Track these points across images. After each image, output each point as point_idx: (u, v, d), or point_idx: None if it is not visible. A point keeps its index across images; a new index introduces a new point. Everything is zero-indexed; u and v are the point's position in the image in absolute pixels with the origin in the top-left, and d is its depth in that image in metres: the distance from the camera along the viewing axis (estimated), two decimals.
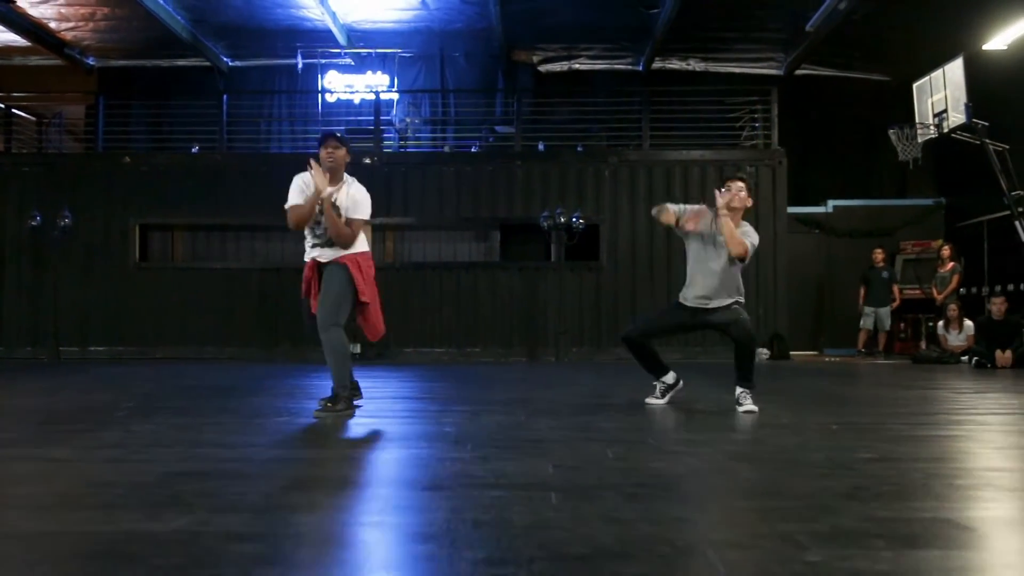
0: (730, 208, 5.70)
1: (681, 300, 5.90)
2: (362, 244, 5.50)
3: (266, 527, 2.42)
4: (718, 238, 5.71)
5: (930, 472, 3.32)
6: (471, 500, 2.81)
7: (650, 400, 6.02)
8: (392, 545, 2.30)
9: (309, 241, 5.44)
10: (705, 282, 5.74)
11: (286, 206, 5.36)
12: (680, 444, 4.12)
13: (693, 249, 5.84)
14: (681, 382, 6.11)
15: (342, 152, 5.42)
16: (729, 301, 5.78)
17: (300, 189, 5.33)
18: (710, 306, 5.75)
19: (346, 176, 5.50)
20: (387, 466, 3.62)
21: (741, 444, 4.12)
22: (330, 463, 3.73)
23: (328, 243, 5.34)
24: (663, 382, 6.05)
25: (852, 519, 2.48)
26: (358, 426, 4.86)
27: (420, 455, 3.84)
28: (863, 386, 8.20)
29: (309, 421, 5.02)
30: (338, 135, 5.49)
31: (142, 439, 4.29)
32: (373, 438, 4.43)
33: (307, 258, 5.45)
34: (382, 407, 5.99)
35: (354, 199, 5.42)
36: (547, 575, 1.94)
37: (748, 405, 5.53)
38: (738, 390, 5.65)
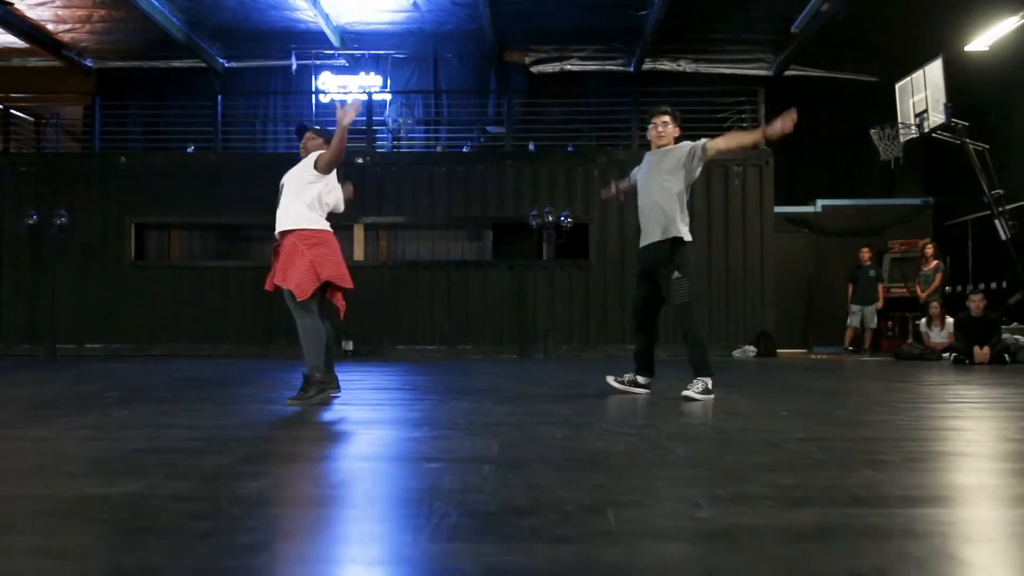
0: (659, 147, 6.00)
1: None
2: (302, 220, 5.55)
3: (209, 491, 2.61)
4: (651, 173, 5.96)
5: (855, 449, 3.51)
6: (410, 471, 3.02)
7: (611, 379, 6.23)
8: (320, 507, 2.50)
9: (321, 212, 5.56)
10: (643, 219, 5.97)
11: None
12: (628, 427, 4.31)
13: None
14: (646, 392, 6.14)
15: (319, 143, 5.63)
16: (662, 238, 5.85)
17: None
18: (645, 242, 5.93)
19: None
20: (341, 445, 3.82)
21: (685, 427, 4.31)
22: (287, 441, 3.93)
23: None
24: (637, 378, 6.17)
25: (755, 486, 2.67)
26: (328, 412, 5.05)
27: (378, 436, 4.04)
28: (834, 380, 8.39)
29: (283, 408, 5.21)
30: (317, 127, 5.73)
31: (118, 422, 4.50)
32: (338, 421, 4.63)
33: (326, 227, 5.55)
34: (358, 396, 6.19)
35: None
36: (453, 527, 2.13)
37: (691, 392, 5.67)
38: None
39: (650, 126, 6.08)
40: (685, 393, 5.65)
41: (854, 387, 7.41)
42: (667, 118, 6.03)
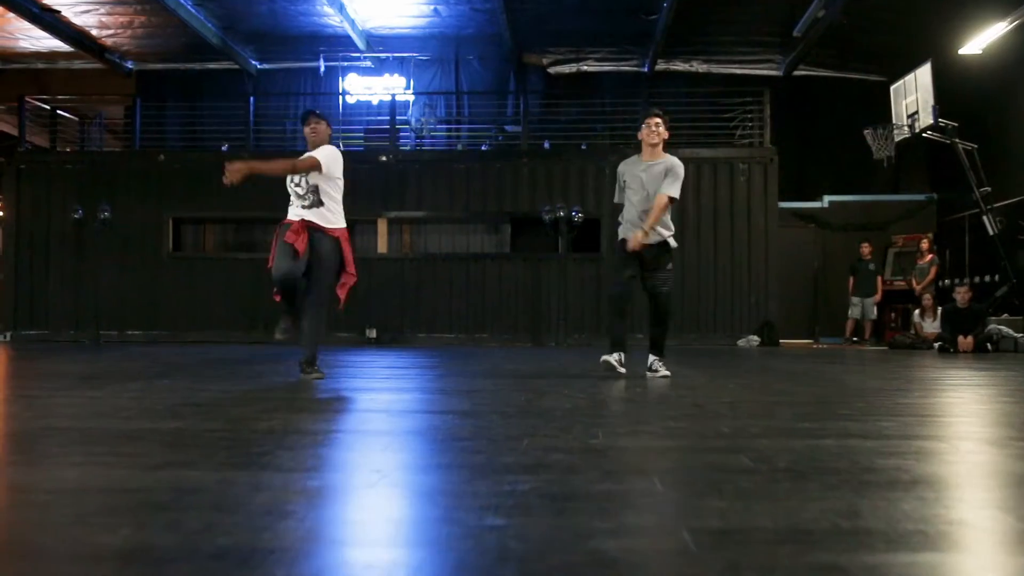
0: (648, 144, 6.48)
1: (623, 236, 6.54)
2: (343, 219, 6.09)
3: (233, 427, 3.45)
4: (650, 181, 6.42)
5: (760, 408, 4.28)
6: (400, 418, 3.83)
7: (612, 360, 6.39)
8: (321, 437, 3.32)
9: (297, 204, 5.96)
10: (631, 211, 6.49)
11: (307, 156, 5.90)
12: (583, 393, 5.09)
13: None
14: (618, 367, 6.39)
15: (323, 126, 6.07)
16: (658, 240, 6.40)
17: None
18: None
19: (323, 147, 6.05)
20: (344, 401, 4.64)
21: (633, 392, 5.08)
22: (299, 398, 4.77)
23: (315, 204, 5.92)
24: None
25: (649, 427, 3.46)
26: (337, 380, 5.88)
27: (374, 398, 4.87)
28: (810, 364, 9.08)
29: (300, 378, 6.05)
30: (317, 111, 6.16)
31: (160, 388, 5.36)
32: (344, 387, 5.46)
33: (294, 216, 5.90)
34: (365, 371, 7.01)
35: (327, 157, 5.98)
36: (407, 444, 2.94)
37: (663, 369, 6.31)
38: (651, 358, 6.41)
39: (643, 126, 6.55)
40: (662, 373, 6.28)
41: (825, 369, 8.12)
42: (659, 120, 6.53)
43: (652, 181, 6.42)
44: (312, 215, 5.93)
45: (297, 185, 6.01)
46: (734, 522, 1.83)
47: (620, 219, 6.64)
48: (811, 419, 3.84)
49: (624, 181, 6.60)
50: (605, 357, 6.28)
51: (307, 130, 6.09)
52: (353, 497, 2.17)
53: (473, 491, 2.16)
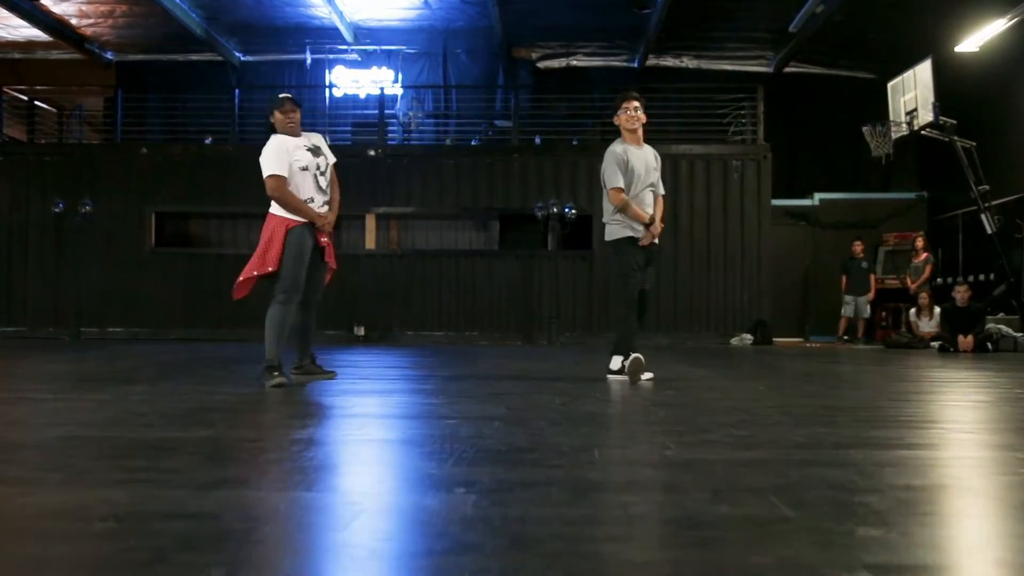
0: (629, 130, 5.99)
1: (632, 234, 5.95)
2: None
3: (269, 436, 3.19)
4: (648, 172, 6.05)
5: (810, 414, 4.08)
6: (434, 425, 3.58)
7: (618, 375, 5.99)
8: (367, 446, 3.07)
9: (316, 202, 5.44)
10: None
11: (271, 172, 5.30)
12: (618, 397, 4.87)
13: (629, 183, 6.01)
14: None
15: (298, 116, 5.50)
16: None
17: (279, 155, 5.34)
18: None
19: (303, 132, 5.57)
20: (372, 406, 4.39)
21: (670, 396, 4.87)
22: (324, 405, 4.51)
23: (329, 204, 5.54)
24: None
25: (715, 435, 3.24)
26: (351, 382, 5.63)
27: (400, 401, 4.62)
28: (817, 364, 8.93)
29: (314, 380, 5.78)
30: (294, 98, 5.62)
31: (165, 390, 5.08)
32: (359, 390, 5.20)
33: (318, 208, 5.45)
34: (370, 372, 6.75)
35: (327, 147, 5.64)
36: (471, 459, 2.70)
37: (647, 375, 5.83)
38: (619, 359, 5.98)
39: (620, 111, 5.99)
40: (647, 376, 5.80)
41: (832, 370, 7.97)
42: (638, 103, 6.02)
43: (651, 174, 6.06)
44: (326, 211, 5.56)
45: (322, 174, 5.53)
46: (907, 557, 1.61)
47: (615, 211, 5.99)
48: (879, 426, 3.65)
49: (633, 166, 5.96)
50: (636, 356, 5.77)
51: (284, 117, 5.44)
52: (456, 516, 1.93)
53: (586, 515, 1.93)
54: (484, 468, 2.54)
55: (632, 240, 5.96)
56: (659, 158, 6.24)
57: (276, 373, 5.24)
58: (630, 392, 5.21)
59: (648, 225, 5.95)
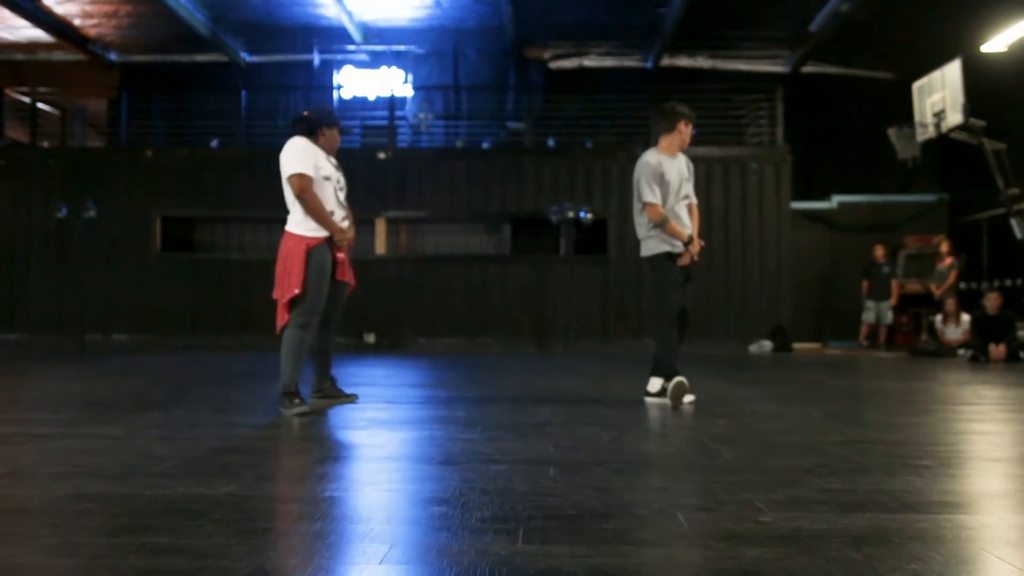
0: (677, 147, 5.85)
1: (670, 250, 5.70)
2: None
3: (301, 493, 2.84)
4: (684, 183, 5.87)
5: (888, 452, 3.72)
6: (483, 474, 3.22)
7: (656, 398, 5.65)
8: (416, 510, 2.71)
9: (339, 213, 5.17)
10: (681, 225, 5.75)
11: (297, 171, 4.99)
12: (667, 428, 4.52)
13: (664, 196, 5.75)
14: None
15: (339, 142, 5.32)
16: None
17: (306, 156, 5.04)
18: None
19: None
20: (406, 444, 4.03)
21: (725, 428, 4.51)
22: (353, 442, 4.14)
23: (346, 219, 5.24)
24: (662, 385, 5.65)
25: (807, 490, 2.89)
26: (374, 407, 5.28)
27: (436, 435, 4.26)
28: (854, 378, 8.59)
29: (333, 407, 5.43)
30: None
31: (183, 421, 4.72)
32: (392, 420, 4.85)
33: (339, 221, 5.13)
34: (397, 394, 6.40)
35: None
36: (543, 531, 2.34)
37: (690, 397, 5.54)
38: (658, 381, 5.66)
39: (676, 131, 5.85)
40: (689, 399, 5.52)
41: (876, 386, 7.61)
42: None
43: (684, 186, 5.88)
44: (347, 226, 5.24)
45: (342, 189, 5.26)
46: None
47: (652, 226, 5.66)
48: (973, 472, 3.29)
49: (665, 179, 5.70)
50: (680, 379, 5.45)
51: (337, 141, 5.28)
52: None
53: None
54: (563, 547, 2.18)
55: (670, 255, 5.69)
56: (691, 165, 6.02)
57: (296, 400, 4.93)
58: (676, 421, 4.86)
59: (688, 243, 5.68)
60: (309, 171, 4.98)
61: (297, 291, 4.90)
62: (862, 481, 3.07)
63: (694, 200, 5.94)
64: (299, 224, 5.01)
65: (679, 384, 5.40)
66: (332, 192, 5.12)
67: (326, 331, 5.28)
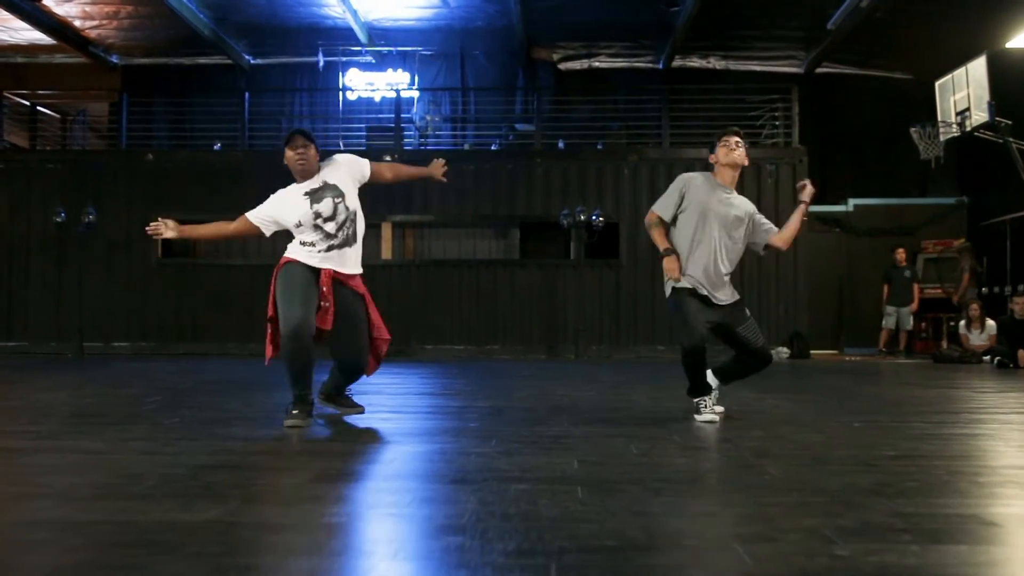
0: (725, 165, 5.04)
1: (686, 284, 4.92)
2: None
3: (297, 518, 2.46)
4: (726, 224, 4.99)
5: (953, 469, 3.34)
6: (502, 494, 2.84)
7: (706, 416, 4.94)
8: (424, 537, 2.33)
9: (317, 246, 4.69)
10: (709, 275, 4.93)
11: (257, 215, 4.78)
12: (702, 442, 4.13)
13: (695, 222, 4.95)
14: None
15: (312, 152, 4.73)
16: (735, 298, 5.08)
17: (269, 210, 4.79)
18: (716, 297, 4.95)
19: (323, 164, 4.84)
20: (415, 459, 3.65)
21: (763, 441, 4.12)
22: (357, 456, 3.77)
23: (347, 243, 4.75)
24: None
25: (878, 515, 2.50)
26: (380, 418, 4.90)
27: (448, 449, 3.88)
28: (884, 385, 8.20)
29: (329, 413, 5.06)
30: (306, 131, 4.80)
31: (171, 433, 4.35)
32: (400, 432, 4.47)
33: (318, 264, 4.67)
34: (405, 404, 6.03)
35: (349, 164, 4.90)
36: (579, 568, 1.97)
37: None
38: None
39: (720, 145, 5.04)
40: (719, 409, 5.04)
41: (909, 394, 7.22)
42: (740, 139, 5.09)
43: (734, 224, 5.03)
44: (338, 259, 4.73)
45: (330, 219, 4.70)
46: None
47: (675, 252, 4.94)
48: None
49: (702, 205, 4.90)
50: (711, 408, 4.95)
51: (294, 154, 4.69)
52: None
53: None
54: None
55: (690, 291, 4.89)
56: (756, 218, 5.21)
57: (295, 412, 4.56)
58: (708, 432, 4.47)
59: (664, 256, 4.93)
60: (261, 227, 4.80)
61: (269, 312, 4.66)
62: (937, 504, 2.69)
63: (758, 250, 5.29)
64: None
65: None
66: (311, 230, 4.68)
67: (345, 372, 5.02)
